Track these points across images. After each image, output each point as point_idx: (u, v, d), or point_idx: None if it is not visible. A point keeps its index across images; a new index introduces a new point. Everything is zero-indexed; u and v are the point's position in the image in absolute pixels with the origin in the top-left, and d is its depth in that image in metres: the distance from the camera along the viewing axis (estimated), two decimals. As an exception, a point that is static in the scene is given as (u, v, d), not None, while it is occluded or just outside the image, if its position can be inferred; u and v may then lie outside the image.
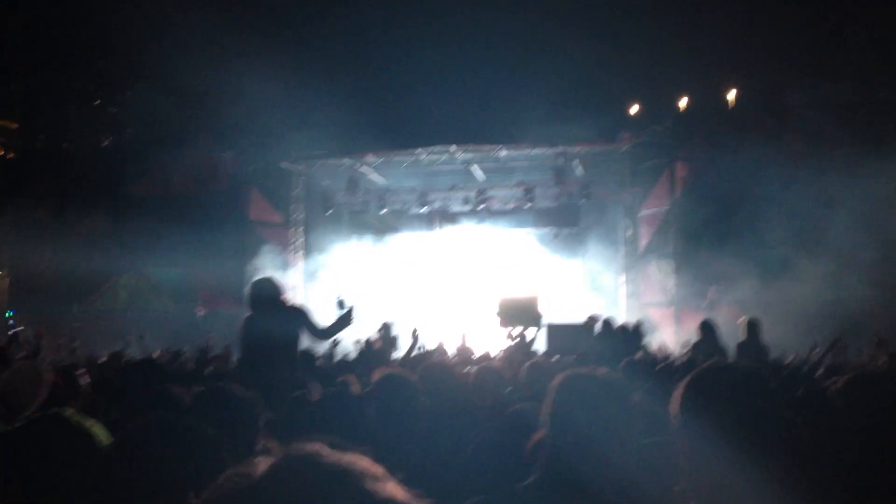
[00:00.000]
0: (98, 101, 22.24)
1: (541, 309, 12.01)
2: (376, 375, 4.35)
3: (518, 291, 14.03)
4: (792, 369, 6.88)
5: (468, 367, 6.26)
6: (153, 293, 20.65)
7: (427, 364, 5.20)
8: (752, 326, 8.70)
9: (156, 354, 11.87)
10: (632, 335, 10.31)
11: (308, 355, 5.99)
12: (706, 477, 1.72)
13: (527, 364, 5.52)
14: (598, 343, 10.36)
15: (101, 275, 20.04)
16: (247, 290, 6.36)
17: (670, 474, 1.82)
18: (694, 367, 6.26)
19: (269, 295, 6.09)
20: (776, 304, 14.51)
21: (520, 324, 11.12)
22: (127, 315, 19.62)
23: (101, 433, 2.13)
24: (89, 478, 1.90)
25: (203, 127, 21.04)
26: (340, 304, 6.24)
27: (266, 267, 18.81)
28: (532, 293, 12.69)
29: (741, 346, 8.47)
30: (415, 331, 9.90)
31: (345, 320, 6.09)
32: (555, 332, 11.87)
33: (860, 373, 3.95)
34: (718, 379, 1.87)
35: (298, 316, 6.12)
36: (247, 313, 6.20)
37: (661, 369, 6.32)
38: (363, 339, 11.38)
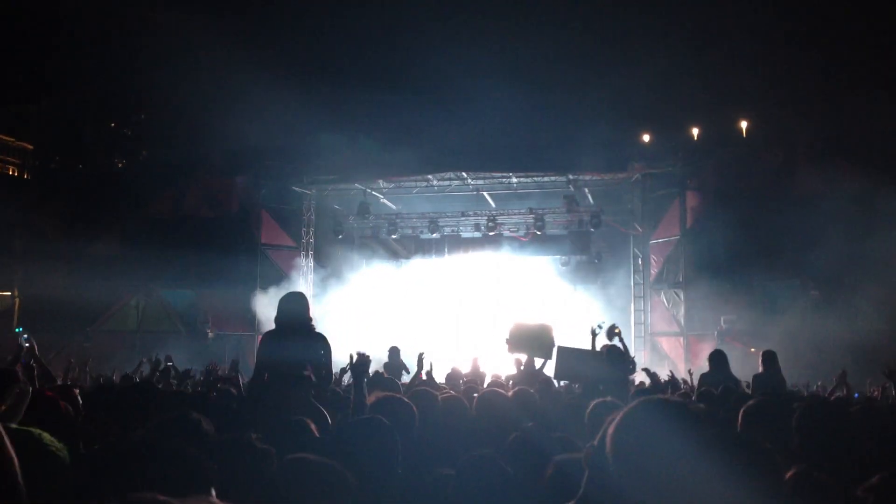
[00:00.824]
0: (113, 124, 22.47)
1: (554, 338, 11.89)
2: (371, 399, 4.36)
3: (532, 318, 13.98)
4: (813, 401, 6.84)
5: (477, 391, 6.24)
6: (163, 315, 20.70)
7: (415, 390, 5.19)
8: (769, 358, 8.62)
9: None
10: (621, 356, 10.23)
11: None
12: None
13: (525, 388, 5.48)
14: (607, 368, 10.29)
15: (112, 296, 20.12)
16: (273, 305, 6.26)
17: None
18: (709, 397, 6.21)
19: (298, 312, 6.03)
20: (786, 336, 14.44)
21: (530, 351, 11.00)
22: (137, 336, 19.67)
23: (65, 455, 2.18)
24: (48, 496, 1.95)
25: (216, 151, 21.23)
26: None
27: (275, 291, 18.86)
28: (546, 321, 12.57)
29: (757, 378, 8.39)
30: (421, 356, 9.89)
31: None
32: (564, 355, 11.77)
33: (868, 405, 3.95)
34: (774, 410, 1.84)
35: (323, 344, 6.01)
36: (270, 328, 6.12)
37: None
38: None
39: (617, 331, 10.51)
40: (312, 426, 3.74)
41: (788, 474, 2.47)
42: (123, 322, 20.76)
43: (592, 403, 4.03)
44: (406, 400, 4.25)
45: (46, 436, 2.19)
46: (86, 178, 22.11)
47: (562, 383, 10.50)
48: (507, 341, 11.93)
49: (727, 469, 1.75)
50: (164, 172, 21.39)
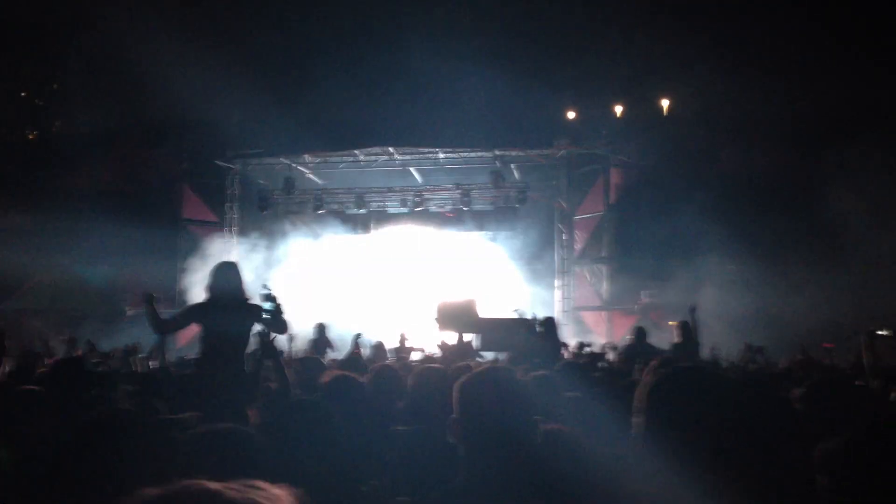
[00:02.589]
0: (24, 94, 21.49)
1: (479, 313, 12.00)
2: (326, 377, 4.31)
3: (456, 296, 14.06)
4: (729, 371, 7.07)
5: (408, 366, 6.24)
6: (79, 292, 20.00)
7: (378, 367, 5.16)
8: (685, 329, 8.91)
9: (78, 353, 11.54)
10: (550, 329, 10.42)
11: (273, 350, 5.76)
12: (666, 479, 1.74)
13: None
14: (535, 340, 10.46)
15: (23, 273, 19.31)
16: (206, 275, 6.09)
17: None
18: (631, 370, 6.35)
19: (233, 283, 5.90)
20: (705, 309, 14.89)
21: (458, 328, 11.11)
22: (51, 315, 18.97)
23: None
24: None
25: (135, 123, 20.53)
26: (268, 297, 6.00)
27: (199, 267, 18.43)
28: (470, 297, 12.67)
29: (677, 348, 8.66)
30: (357, 337, 9.89)
31: (278, 313, 5.84)
32: (487, 327, 11.91)
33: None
34: (688, 381, 1.88)
35: (256, 313, 5.90)
36: (204, 298, 5.95)
37: (600, 372, 6.42)
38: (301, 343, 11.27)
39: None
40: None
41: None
42: (35, 299, 19.99)
43: (531, 376, 4.07)
44: (357, 379, 4.23)
45: None
46: (-5, 149, 21.09)
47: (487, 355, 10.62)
48: (437, 320, 12.00)
49: None
50: (79, 144, 20.56)
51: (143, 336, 13.95)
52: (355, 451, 3.25)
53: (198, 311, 5.95)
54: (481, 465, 2.15)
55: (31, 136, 21.71)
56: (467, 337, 11.08)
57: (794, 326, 14.22)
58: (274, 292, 6.01)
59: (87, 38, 17.30)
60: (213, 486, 0.91)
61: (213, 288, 5.87)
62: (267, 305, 5.85)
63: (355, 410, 3.78)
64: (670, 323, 15.59)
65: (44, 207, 19.46)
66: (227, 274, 5.95)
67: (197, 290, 6.07)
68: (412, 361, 9.34)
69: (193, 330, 6.15)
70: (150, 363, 8.41)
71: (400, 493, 2.66)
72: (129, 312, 19.13)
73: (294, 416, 3.02)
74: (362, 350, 9.89)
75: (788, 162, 17.19)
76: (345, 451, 3.06)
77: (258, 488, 0.93)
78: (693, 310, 9.89)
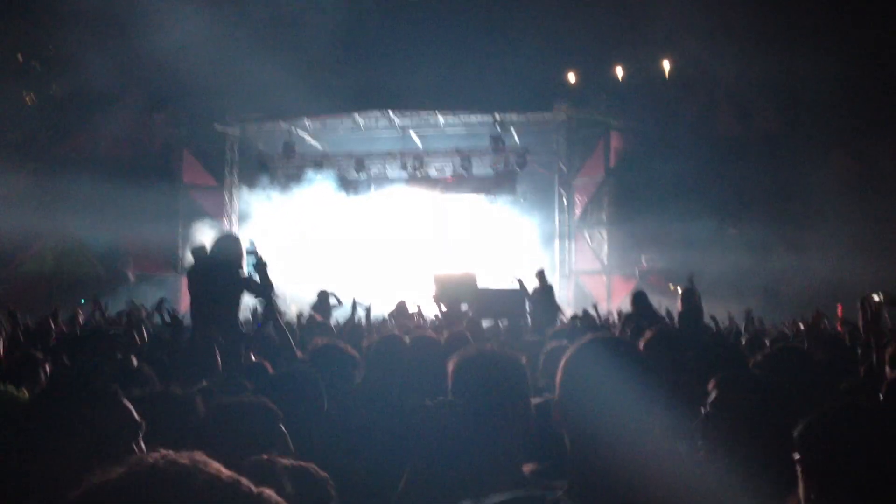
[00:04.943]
0: (20, 56, 21.30)
1: (478, 285, 12.02)
2: (314, 344, 4.36)
3: (453, 268, 14.07)
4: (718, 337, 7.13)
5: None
6: (82, 257, 20.07)
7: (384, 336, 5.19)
8: (689, 295, 8.91)
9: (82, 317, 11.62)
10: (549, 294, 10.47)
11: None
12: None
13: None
14: (531, 307, 10.53)
15: (26, 239, 19.34)
16: (208, 246, 6.15)
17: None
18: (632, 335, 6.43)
19: (233, 255, 5.97)
20: (705, 273, 14.98)
21: (455, 300, 11.14)
22: (54, 279, 19.06)
23: (18, 393, 2.18)
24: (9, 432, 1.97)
25: (134, 86, 20.39)
26: (251, 253, 6.08)
27: (199, 231, 18.47)
28: (469, 270, 12.66)
29: (682, 316, 8.65)
30: (354, 301, 9.94)
31: (263, 270, 5.92)
32: (484, 296, 11.95)
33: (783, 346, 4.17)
34: (601, 353, 1.90)
35: (246, 285, 6.00)
36: (201, 265, 6.03)
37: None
38: (305, 311, 11.33)
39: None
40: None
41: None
42: (39, 265, 20.06)
43: (549, 347, 4.12)
44: (345, 348, 4.26)
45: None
46: (-7, 114, 20.96)
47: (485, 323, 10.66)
48: (434, 296, 12.03)
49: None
50: (78, 109, 20.46)
51: (146, 300, 14.06)
52: (348, 425, 3.29)
53: (199, 275, 6.04)
54: (475, 442, 2.21)
55: (28, 100, 21.55)
56: (464, 306, 11.15)
57: (795, 288, 14.33)
58: (259, 251, 6.08)
59: (83, 1, 17.12)
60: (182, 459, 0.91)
61: (210, 257, 5.95)
62: (252, 262, 5.94)
63: (344, 381, 3.82)
64: (671, 287, 15.72)
65: (44, 172, 19.45)
66: (226, 249, 6.02)
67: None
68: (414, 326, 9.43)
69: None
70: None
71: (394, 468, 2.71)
72: (131, 276, 19.24)
73: (280, 387, 3.06)
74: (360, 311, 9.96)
75: (788, 124, 17.15)
76: (334, 424, 3.11)
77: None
78: (691, 279, 9.92)
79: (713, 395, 2.61)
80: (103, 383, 2.18)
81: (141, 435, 2.01)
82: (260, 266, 5.85)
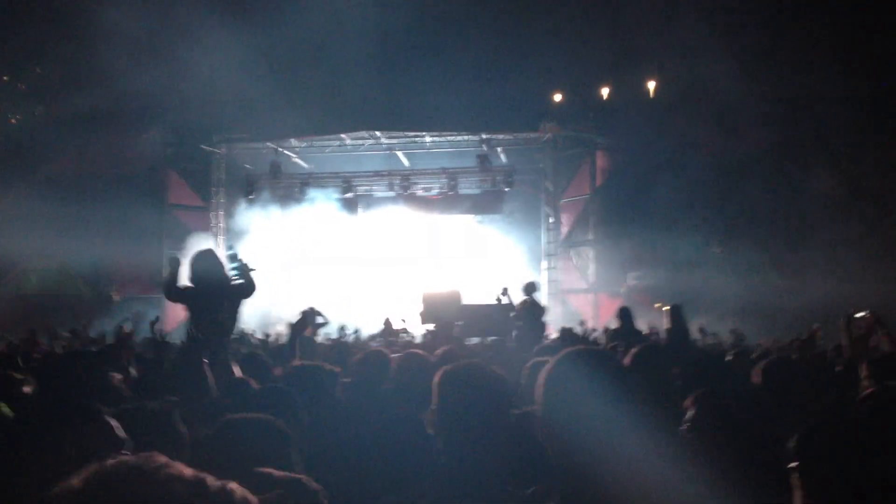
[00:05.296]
0: (5, 77, 21.25)
1: (463, 302, 12.02)
2: (292, 364, 4.35)
3: (440, 287, 14.08)
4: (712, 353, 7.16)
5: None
6: (66, 278, 19.93)
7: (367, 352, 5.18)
8: (676, 312, 8.90)
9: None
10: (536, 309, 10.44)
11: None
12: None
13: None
14: (516, 325, 10.50)
15: (8, 260, 19.18)
16: (185, 263, 6.17)
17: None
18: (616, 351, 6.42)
19: (214, 271, 5.99)
20: (690, 291, 15.04)
21: (442, 319, 11.14)
22: (37, 301, 18.90)
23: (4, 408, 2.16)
24: None
25: (119, 107, 20.36)
26: (233, 258, 6.14)
27: (185, 251, 18.37)
28: (454, 289, 12.68)
29: (669, 334, 8.65)
30: (343, 326, 9.92)
31: (244, 271, 5.99)
32: (469, 313, 11.95)
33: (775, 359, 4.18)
34: (582, 365, 1.91)
35: (236, 292, 6.04)
36: (187, 285, 6.04)
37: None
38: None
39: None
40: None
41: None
42: (21, 286, 19.90)
43: (531, 362, 4.12)
44: (323, 365, 4.24)
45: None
46: (-23, 134, 20.85)
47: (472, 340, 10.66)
48: (421, 314, 12.02)
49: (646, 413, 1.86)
50: (62, 129, 20.38)
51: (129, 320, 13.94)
52: (326, 442, 3.28)
53: (188, 295, 6.03)
54: (458, 455, 2.22)
55: (12, 121, 21.47)
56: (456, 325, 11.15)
57: (774, 306, 14.38)
58: (240, 254, 6.16)
59: (69, 21, 17.13)
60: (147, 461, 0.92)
61: (195, 277, 5.96)
62: (234, 264, 6.00)
63: (326, 398, 3.81)
64: (656, 305, 15.76)
65: (28, 193, 19.33)
66: (206, 261, 6.03)
67: (182, 275, 6.12)
68: (400, 343, 9.42)
69: (180, 314, 6.22)
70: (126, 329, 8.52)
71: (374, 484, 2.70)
72: (116, 297, 19.11)
73: (259, 403, 3.04)
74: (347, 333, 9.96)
75: (771, 144, 17.28)
76: (315, 439, 3.09)
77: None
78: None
79: (691, 412, 2.62)
80: (86, 400, 2.17)
81: (124, 451, 2.00)
82: (243, 269, 5.92)
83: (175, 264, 6.21)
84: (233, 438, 2.39)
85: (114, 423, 2.07)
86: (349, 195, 21.04)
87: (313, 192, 20.98)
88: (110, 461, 0.91)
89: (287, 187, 21.22)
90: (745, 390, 3.65)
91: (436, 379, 2.39)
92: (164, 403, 2.64)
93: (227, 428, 2.45)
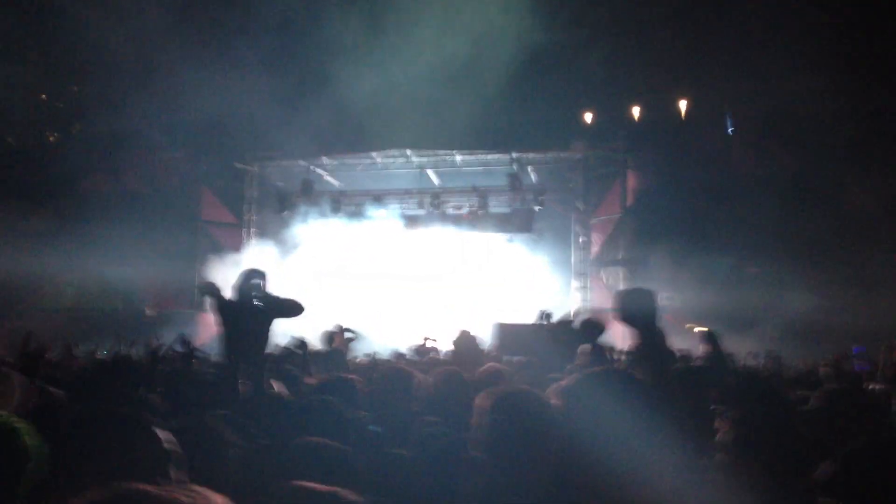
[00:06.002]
0: (44, 96, 21.69)
1: (503, 322, 11.94)
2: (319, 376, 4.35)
3: (517, 318, 13.96)
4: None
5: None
6: (100, 293, 20.19)
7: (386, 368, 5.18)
8: (712, 338, 8.79)
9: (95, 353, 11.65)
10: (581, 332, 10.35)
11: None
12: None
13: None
14: (552, 342, 10.39)
15: (45, 274, 19.48)
16: (235, 278, 6.18)
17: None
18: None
19: (258, 288, 6.03)
20: (723, 311, 14.86)
21: (518, 351, 11.03)
22: (72, 315, 19.15)
23: (28, 437, 2.13)
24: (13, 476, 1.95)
25: (154, 125, 20.69)
26: (256, 287, 6.12)
27: (218, 268, 18.55)
28: (535, 321, 12.43)
29: (710, 355, 8.56)
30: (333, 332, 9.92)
31: (272, 299, 6.01)
32: (505, 331, 11.87)
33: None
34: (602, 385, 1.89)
35: (278, 309, 6.08)
36: (233, 299, 6.04)
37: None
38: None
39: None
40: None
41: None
42: (57, 300, 20.19)
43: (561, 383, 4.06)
44: (347, 377, 4.24)
45: (22, 426, 2.11)
46: (15, 152, 21.28)
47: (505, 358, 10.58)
48: (495, 346, 11.91)
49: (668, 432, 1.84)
50: (98, 147, 20.75)
51: (165, 337, 14.05)
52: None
53: (227, 310, 6.04)
54: (507, 479, 2.20)
55: (51, 139, 21.89)
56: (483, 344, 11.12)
57: (811, 327, 14.16)
58: (263, 283, 6.12)
59: (106, 41, 17.45)
60: (148, 488, 0.93)
61: (240, 291, 5.99)
62: (257, 292, 6.00)
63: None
64: (688, 326, 15.58)
65: (64, 210, 19.66)
66: (253, 279, 6.06)
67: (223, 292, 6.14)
68: (426, 361, 9.40)
69: (211, 330, 6.24)
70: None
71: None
72: (149, 312, 19.31)
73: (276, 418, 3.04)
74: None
75: (806, 163, 17.10)
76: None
77: (195, 492, 0.94)
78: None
79: (731, 434, 2.58)
80: (133, 412, 2.17)
81: (171, 465, 2.00)
82: (269, 298, 5.96)
83: (210, 289, 6.16)
84: (304, 462, 2.38)
85: (163, 434, 2.07)
86: (380, 212, 21.09)
87: (343, 210, 21.08)
88: (116, 485, 0.92)
89: (318, 204, 21.34)
90: (783, 413, 3.59)
91: (484, 402, 2.36)
92: (212, 417, 2.64)
93: (300, 451, 2.44)
